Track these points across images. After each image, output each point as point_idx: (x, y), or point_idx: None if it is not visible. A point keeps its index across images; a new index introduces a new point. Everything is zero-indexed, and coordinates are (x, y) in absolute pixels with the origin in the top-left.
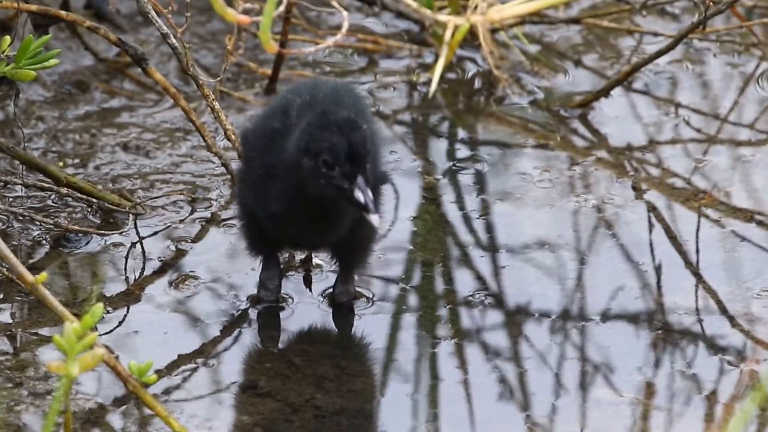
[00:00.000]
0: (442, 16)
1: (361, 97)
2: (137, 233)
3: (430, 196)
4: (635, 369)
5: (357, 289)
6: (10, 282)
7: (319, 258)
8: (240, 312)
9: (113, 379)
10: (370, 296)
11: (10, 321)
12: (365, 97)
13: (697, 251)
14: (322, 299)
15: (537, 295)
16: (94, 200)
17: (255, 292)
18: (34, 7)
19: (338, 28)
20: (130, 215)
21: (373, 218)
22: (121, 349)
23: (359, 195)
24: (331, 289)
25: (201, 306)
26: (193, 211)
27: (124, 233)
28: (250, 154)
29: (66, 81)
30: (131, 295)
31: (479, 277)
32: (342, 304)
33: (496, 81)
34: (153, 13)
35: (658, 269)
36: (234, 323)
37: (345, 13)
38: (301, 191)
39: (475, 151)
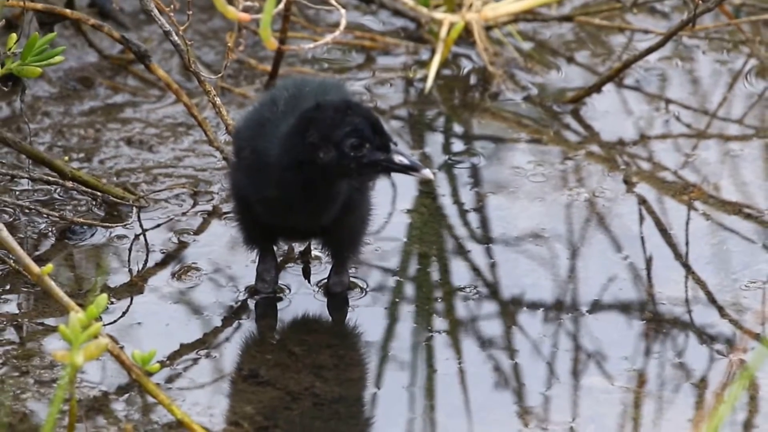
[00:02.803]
0: (438, 14)
1: (349, 93)
2: (140, 225)
3: (426, 189)
4: (626, 358)
5: (352, 279)
6: (16, 273)
7: (318, 250)
8: (240, 302)
9: (117, 368)
10: (365, 287)
11: (17, 311)
12: (353, 93)
13: (687, 243)
14: (318, 290)
15: (530, 286)
16: (99, 193)
17: (253, 283)
18: (39, 6)
19: (336, 25)
20: (134, 208)
21: (425, 172)
22: (125, 338)
23: (401, 159)
24: (325, 280)
25: (203, 297)
26: (195, 204)
27: (127, 226)
28: (242, 144)
29: (71, 77)
30: (135, 286)
31: (474, 269)
32: (337, 295)
33: (491, 77)
34: (155, 11)
35: (648, 261)
36: (234, 314)
37: (343, 11)
38: (292, 174)
39: (470, 145)
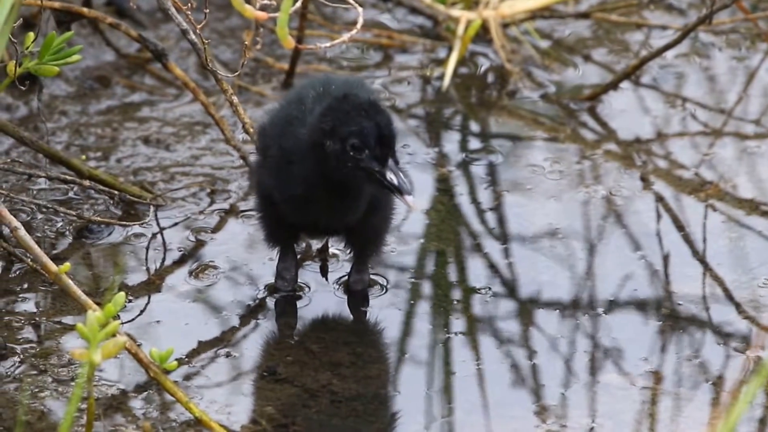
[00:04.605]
0: (455, 12)
1: (372, 91)
2: (158, 224)
3: (443, 188)
4: (643, 355)
5: (371, 277)
6: (34, 272)
7: (336, 248)
8: (258, 301)
9: (135, 366)
10: (384, 284)
11: (35, 310)
12: (376, 91)
13: (704, 240)
14: (337, 288)
15: (547, 284)
16: (116, 192)
17: (272, 281)
18: (57, 4)
19: (354, 23)
20: (151, 207)
21: (409, 199)
22: (143, 337)
23: (392, 177)
24: (346, 278)
25: (220, 295)
26: (212, 203)
27: (145, 224)
28: (268, 143)
29: (88, 76)
30: (152, 285)
31: (491, 266)
32: (357, 293)
33: (508, 75)
34: (173, 9)
35: (665, 258)
36: (252, 312)
37: (360, 9)
38: (319, 172)
39: (487, 143)
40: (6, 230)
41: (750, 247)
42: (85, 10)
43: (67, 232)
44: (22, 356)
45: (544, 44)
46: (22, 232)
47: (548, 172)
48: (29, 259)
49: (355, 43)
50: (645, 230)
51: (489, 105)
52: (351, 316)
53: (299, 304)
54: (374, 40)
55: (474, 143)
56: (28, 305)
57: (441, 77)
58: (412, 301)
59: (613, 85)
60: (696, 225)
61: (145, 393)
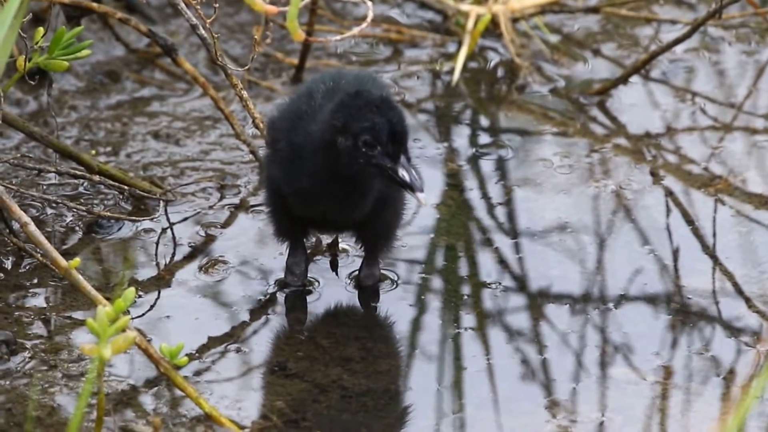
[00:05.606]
0: (465, 6)
1: (384, 86)
2: (168, 219)
3: (453, 182)
4: (654, 349)
5: (382, 272)
6: (44, 267)
7: (345, 242)
8: (268, 296)
9: (145, 362)
10: (395, 279)
11: (45, 305)
12: (388, 85)
13: (713, 235)
14: (348, 282)
15: (558, 278)
16: (126, 187)
17: (282, 276)
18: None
19: (363, 18)
20: (161, 202)
21: (420, 196)
22: (153, 332)
23: (404, 174)
24: (356, 273)
25: (230, 290)
26: (222, 198)
27: (154, 219)
28: (277, 136)
29: (98, 71)
30: (162, 280)
31: (501, 261)
32: (367, 287)
33: (517, 69)
34: (182, 4)
35: (675, 252)
36: (262, 307)
37: (369, 4)
38: (329, 168)
39: (496, 138)
40: (16, 225)
41: (759, 241)
42: (95, 5)
43: (77, 227)
44: (32, 351)
45: (554, 39)
46: (32, 227)
47: (558, 166)
48: (39, 254)
49: (365, 38)
50: (655, 224)
51: (498, 99)
52: (361, 311)
53: (309, 299)
54: (384, 35)
55: (484, 138)
56: (38, 300)
57: (450, 72)
58: (422, 296)
59: (623, 80)
60: (705, 219)
61: (156, 388)
